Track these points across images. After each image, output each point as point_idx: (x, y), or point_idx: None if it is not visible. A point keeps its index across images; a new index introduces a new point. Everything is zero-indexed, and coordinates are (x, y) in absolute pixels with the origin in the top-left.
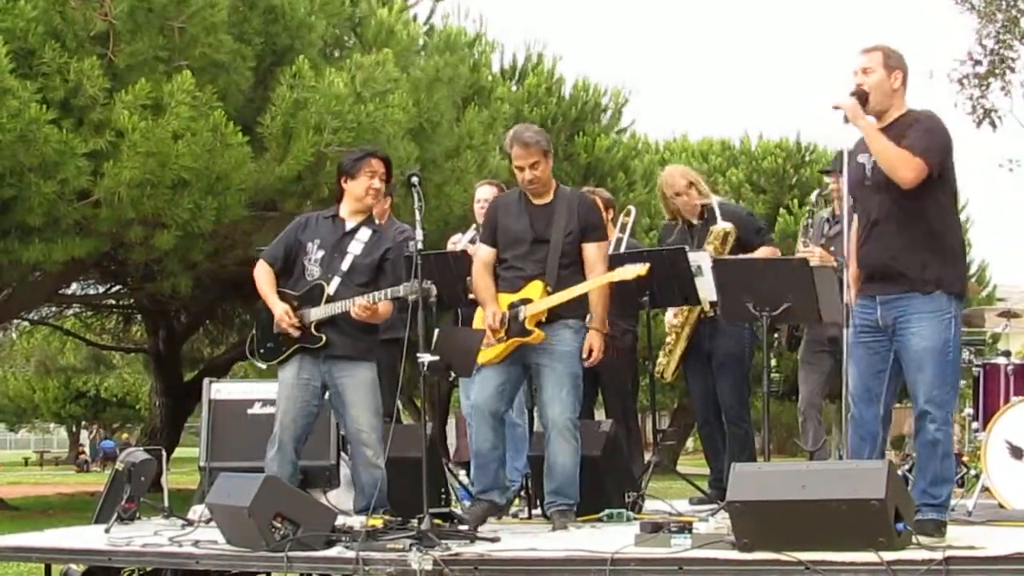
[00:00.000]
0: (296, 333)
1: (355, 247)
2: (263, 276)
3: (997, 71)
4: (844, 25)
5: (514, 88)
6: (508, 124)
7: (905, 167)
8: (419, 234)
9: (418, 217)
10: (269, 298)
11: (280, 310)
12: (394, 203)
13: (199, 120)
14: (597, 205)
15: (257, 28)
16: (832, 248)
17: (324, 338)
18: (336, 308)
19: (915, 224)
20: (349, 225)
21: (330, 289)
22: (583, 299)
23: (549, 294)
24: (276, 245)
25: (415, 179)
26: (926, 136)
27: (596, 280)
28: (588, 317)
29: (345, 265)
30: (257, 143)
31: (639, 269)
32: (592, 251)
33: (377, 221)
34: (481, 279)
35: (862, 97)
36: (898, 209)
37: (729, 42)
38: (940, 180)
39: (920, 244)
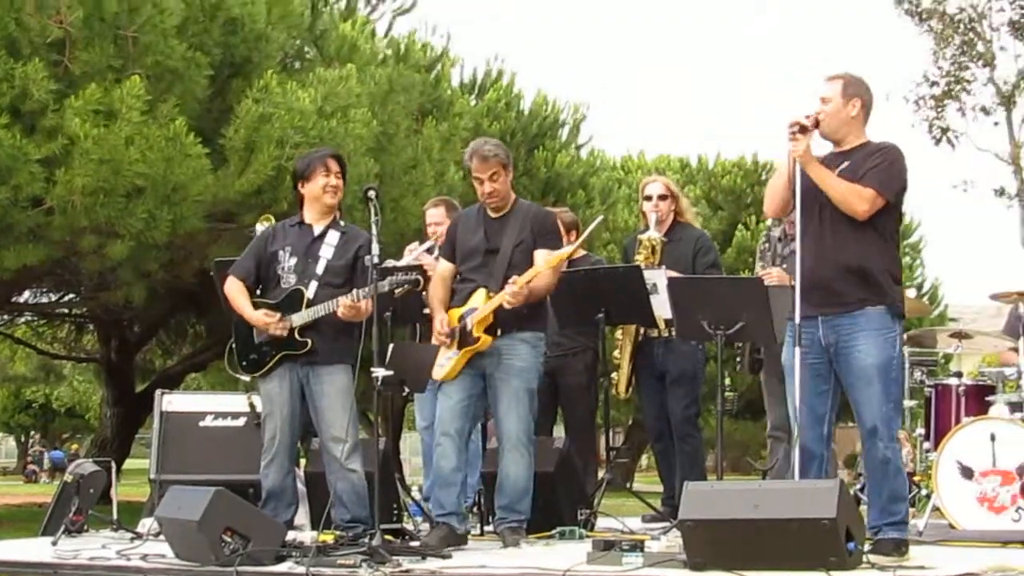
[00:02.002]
0: (283, 333)
1: (326, 251)
2: (235, 290)
3: (954, 93)
4: (802, 44)
5: (473, 102)
6: (467, 138)
7: (859, 201)
8: (375, 248)
9: (375, 231)
10: (244, 309)
11: (259, 316)
12: (345, 216)
13: (152, 126)
14: (552, 215)
15: (217, 39)
16: (785, 266)
17: (309, 342)
18: (320, 311)
19: (863, 244)
20: (317, 230)
21: (309, 293)
22: (540, 312)
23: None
24: (246, 258)
25: (372, 192)
26: (886, 170)
27: (528, 273)
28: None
29: (320, 269)
30: (216, 154)
31: (564, 251)
32: (538, 257)
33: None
34: (434, 290)
35: (815, 125)
36: (847, 228)
37: (687, 60)
38: (885, 209)
39: (866, 263)
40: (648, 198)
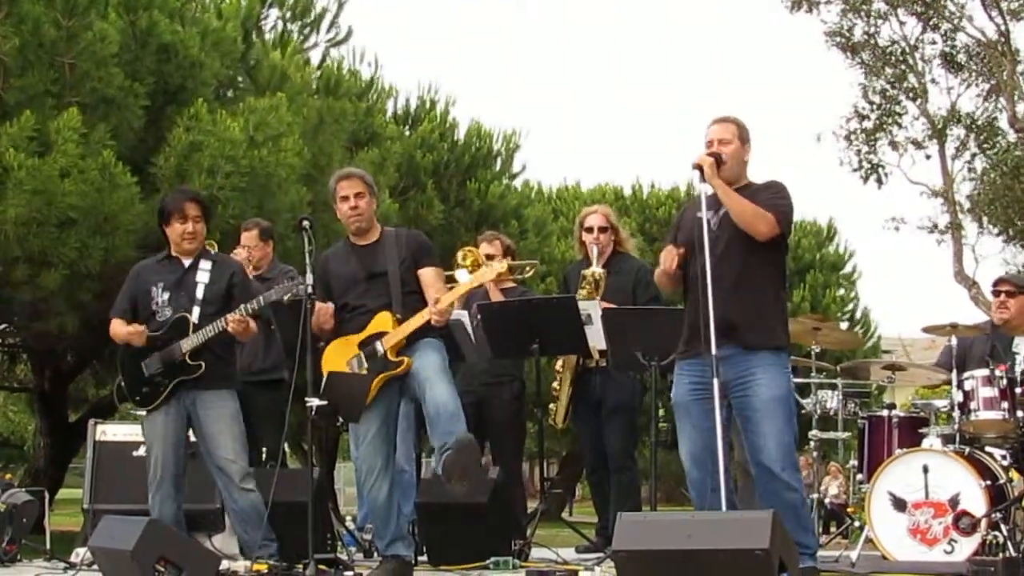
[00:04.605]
0: (142, 341)
1: (202, 276)
2: (118, 327)
3: (885, 127)
4: (734, 78)
5: (407, 133)
6: (400, 165)
7: (762, 221)
8: (309, 277)
9: (308, 260)
10: (124, 332)
11: (134, 329)
12: (278, 245)
13: (87, 158)
14: (422, 234)
15: (150, 67)
16: None
17: (203, 364)
18: (208, 332)
19: (757, 283)
20: (187, 262)
21: (193, 318)
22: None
23: (399, 322)
24: (122, 299)
25: (306, 223)
26: (778, 198)
27: (459, 288)
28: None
29: (199, 294)
30: (149, 184)
31: (499, 267)
32: (428, 275)
33: (250, 266)
34: (318, 332)
35: (718, 160)
36: (741, 268)
37: (622, 90)
38: (781, 242)
39: (762, 302)
40: (589, 230)
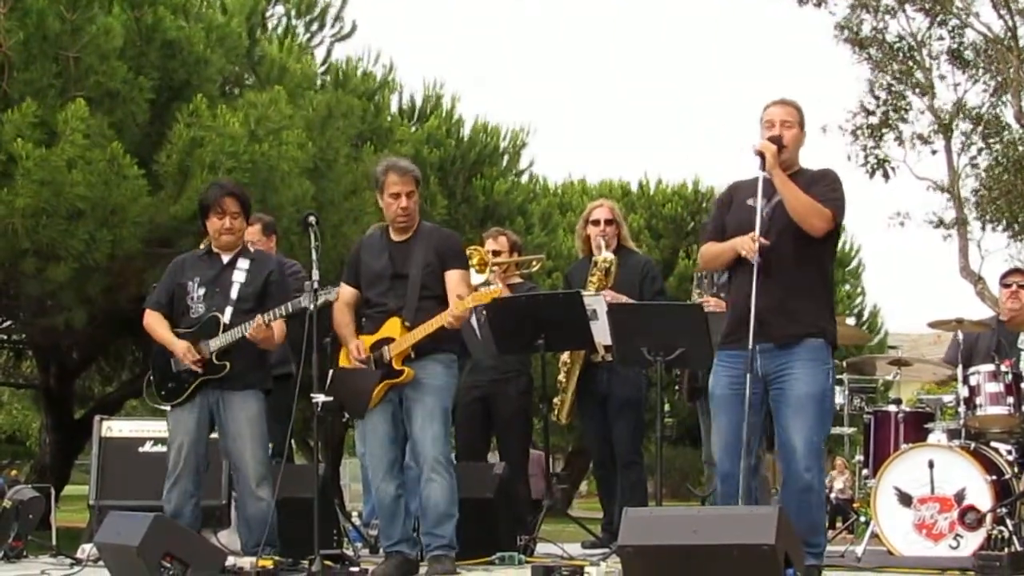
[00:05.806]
0: (199, 369)
1: (238, 276)
2: (154, 321)
3: (891, 121)
4: (740, 74)
5: (413, 129)
6: None
7: (818, 217)
8: (316, 274)
9: (315, 257)
10: (166, 339)
11: (182, 347)
12: (280, 240)
13: (94, 149)
14: (455, 236)
15: (154, 62)
16: (723, 295)
17: (228, 365)
18: (235, 334)
19: (806, 273)
20: (225, 258)
21: (225, 318)
22: (454, 333)
23: (408, 328)
24: (159, 292)
25: (312, 219)
26: (832, 191)
27: (454, 308)
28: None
29: (234, 294)
30: (153, 179)
31: (493, 291)
32: (452, 278)
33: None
34: (340, 315)
35: (779, 145)
36: (791, 258)
37: (629, 85)
38: (833, 233)
39: (809, 293)
40: (596, 223)
